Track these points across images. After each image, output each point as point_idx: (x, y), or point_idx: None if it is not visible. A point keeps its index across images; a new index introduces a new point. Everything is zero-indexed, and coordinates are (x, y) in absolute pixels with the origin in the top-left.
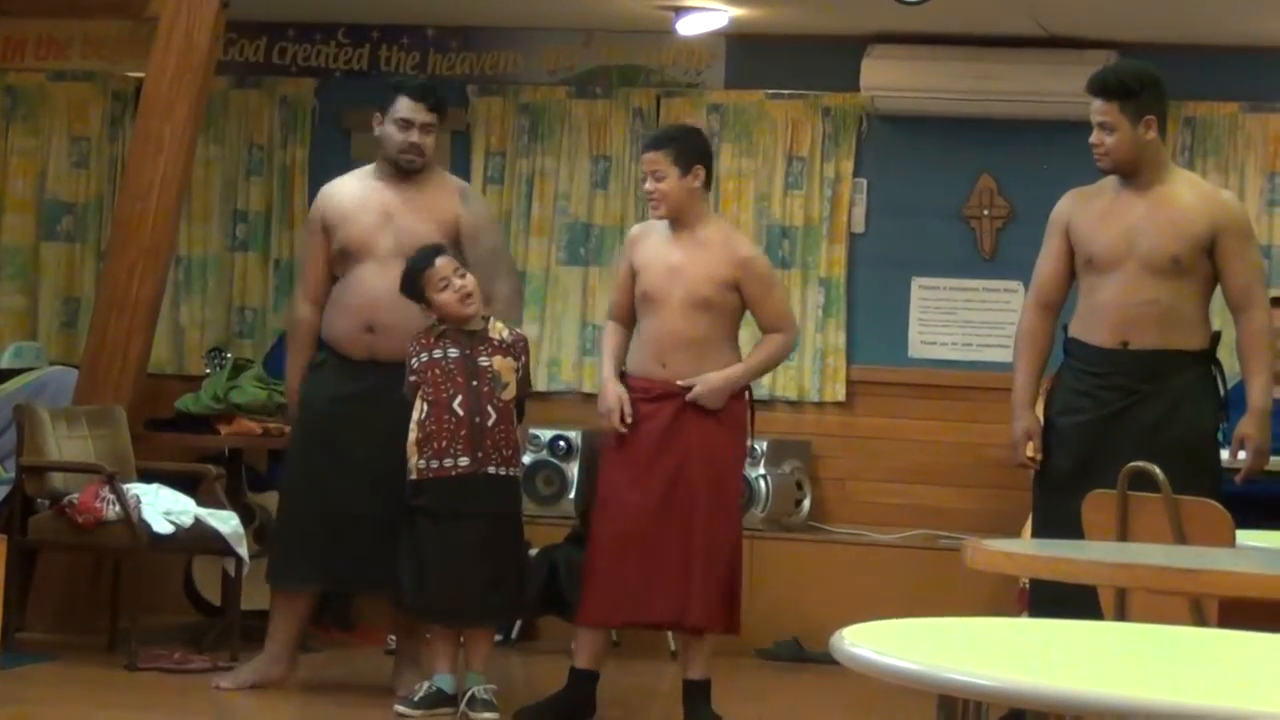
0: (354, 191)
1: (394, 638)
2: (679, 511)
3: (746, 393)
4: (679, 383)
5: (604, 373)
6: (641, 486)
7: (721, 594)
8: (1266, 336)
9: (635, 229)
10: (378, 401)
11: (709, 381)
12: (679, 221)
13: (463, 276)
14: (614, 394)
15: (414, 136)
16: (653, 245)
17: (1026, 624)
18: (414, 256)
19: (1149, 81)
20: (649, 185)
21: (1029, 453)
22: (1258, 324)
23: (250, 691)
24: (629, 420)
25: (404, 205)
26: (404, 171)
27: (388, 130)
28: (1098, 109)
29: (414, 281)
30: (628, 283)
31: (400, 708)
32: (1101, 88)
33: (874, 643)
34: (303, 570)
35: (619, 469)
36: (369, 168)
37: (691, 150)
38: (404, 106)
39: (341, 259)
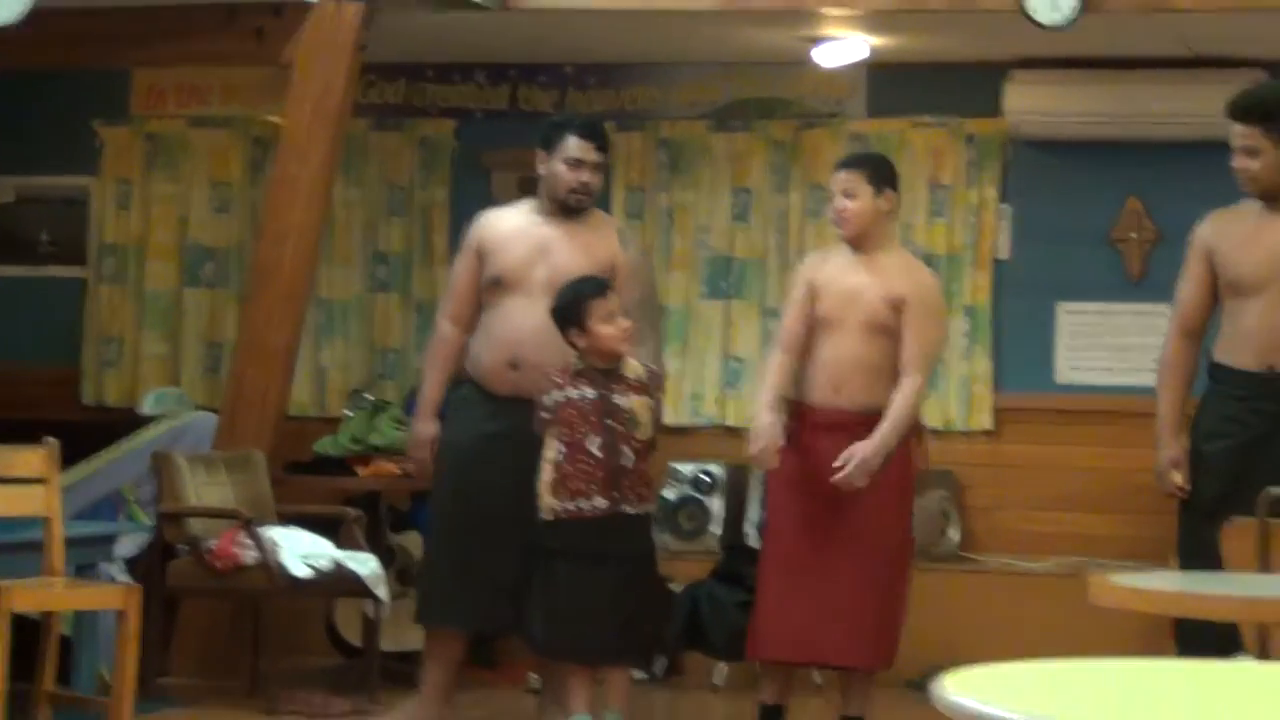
0: (514, 222)
1: (535, 676)
2: (849, 546)
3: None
4: (835, 466)
5: (762, 398)
6: (810, 519)
7: (890, 630)
8: None
9: (812, 256)
10: (521, 438)
11: (860, 458)
12: (861, 244)
13: (624, 316)
14: (764, 428)
15: (584, 176)
16: (832, 268)
17: (1148, 666)
18: (579, 281)
19: None
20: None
21: (1176, 481)
22: None
23: None
24: (775, 462)
25: (561, 241)
26: (567, 210)
27: (556, 169)
28: (1239, 133)
29: (577, 306)
30: (803, 308)
31: None
32: (1242, 112)
33: (979, 690)
34: (454, 611)
35: (788, 499)
36: (528, 203)
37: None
38: (574, 146)
39: (492, 288)
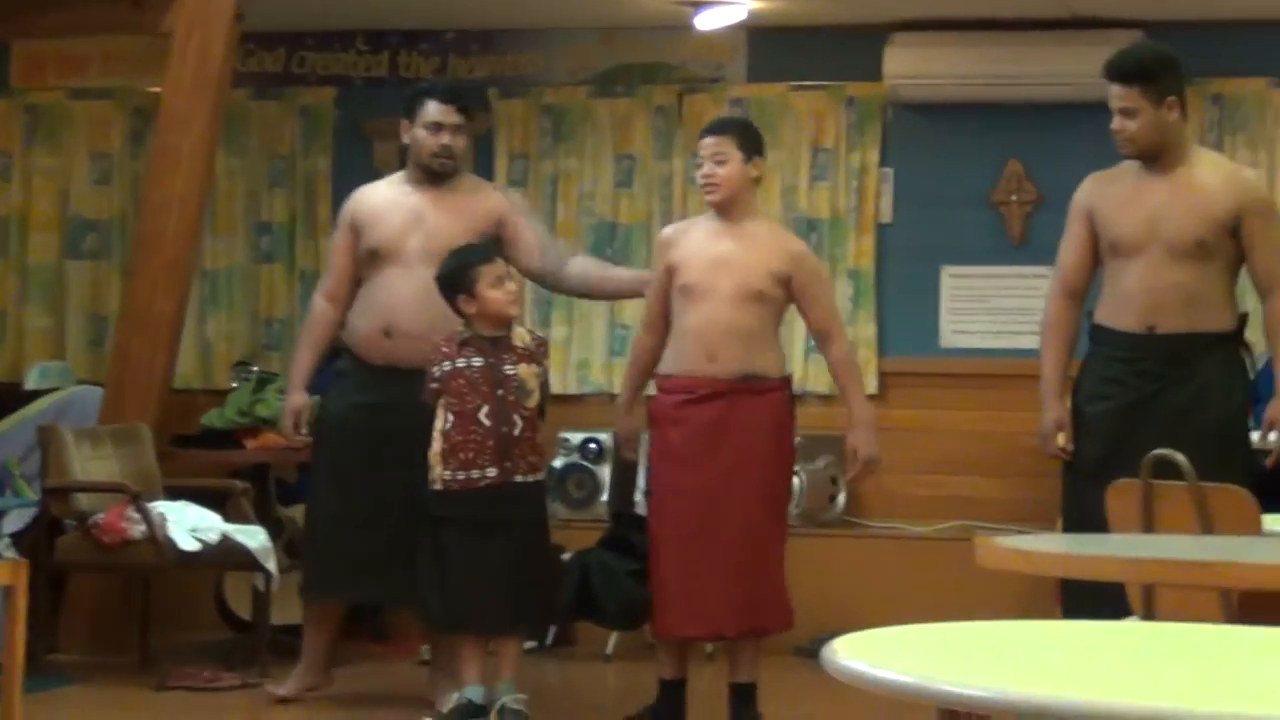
0: (385, 194)
1: (427, 648)
2: (732, 515)
3: (788, 389)
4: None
5: (622, 395)
6: (694, 491)
7: (776, 594)
8: None
9: (668, 230)
10: (397, 408)
11: (862, 443)
12: (728, 211)
13: (511, 280)
14: (624, 428)
15: (444, 139)
16: (696, 237)
17: (1035, 627)
18: (465, 249)
19: (1167, 62)
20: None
21: (1060, 443)
22: None
23: (283, 705)
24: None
25: (434, 209)
26: (435, 176)
27: (417, 135)
28: (1118, 94)
29: (465, 272)
30: (662, 287)
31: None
32: (1120, 73)
33: (868, 654)
34: (330, 583)
35: (669, 473)
36: (399, 174)
37: (755, 140)
38: (433, 110)
39: (369, 260)
